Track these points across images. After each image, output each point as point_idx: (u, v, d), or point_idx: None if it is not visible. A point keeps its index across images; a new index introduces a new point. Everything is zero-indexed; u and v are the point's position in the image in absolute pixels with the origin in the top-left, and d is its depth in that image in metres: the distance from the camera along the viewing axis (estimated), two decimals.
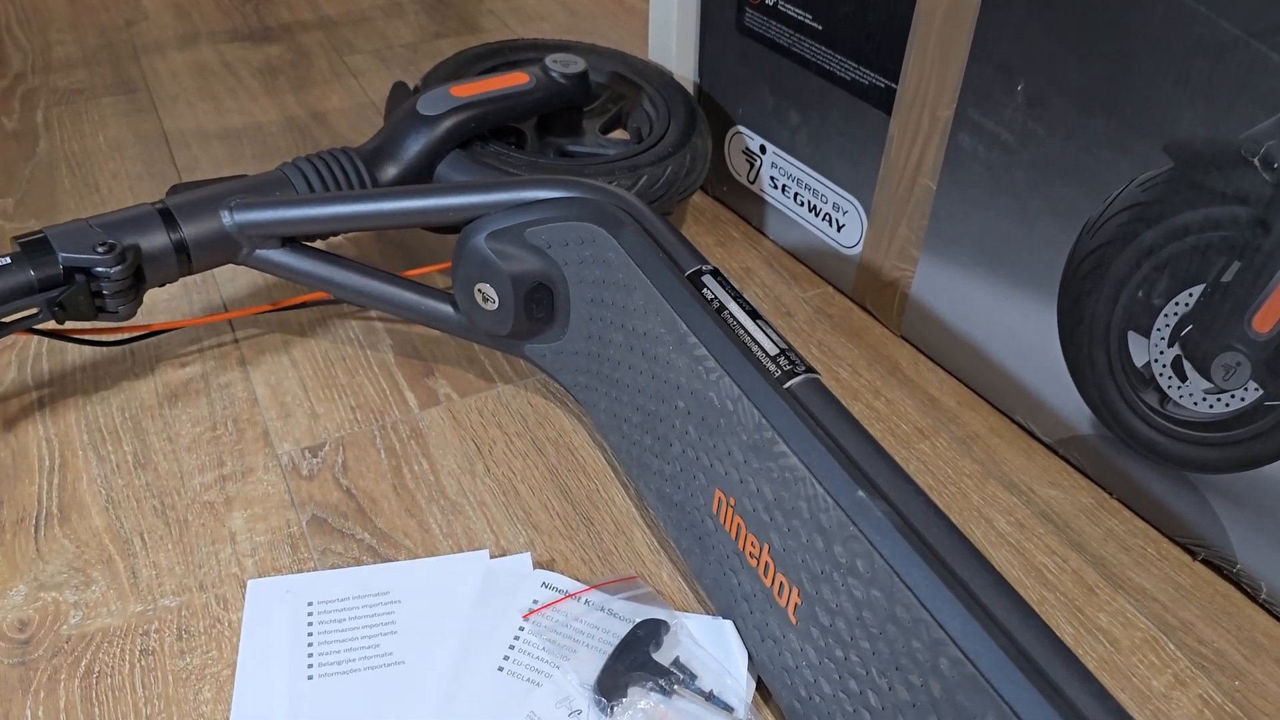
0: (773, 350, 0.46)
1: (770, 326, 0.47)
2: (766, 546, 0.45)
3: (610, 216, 0.55)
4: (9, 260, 0.57)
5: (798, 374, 0.44)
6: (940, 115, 0.62)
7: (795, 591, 0.43)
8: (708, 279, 0.50)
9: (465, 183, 0.60)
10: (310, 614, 0.52)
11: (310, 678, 0.49)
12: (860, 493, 0.39)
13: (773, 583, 0.45)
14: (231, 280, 0.76)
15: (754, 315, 0.48)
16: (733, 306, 0.48)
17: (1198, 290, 0.52)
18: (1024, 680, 0.33)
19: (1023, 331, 0.61)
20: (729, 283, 0.50)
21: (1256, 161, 0.48)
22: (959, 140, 0.61)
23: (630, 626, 0.50)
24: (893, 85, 0.65)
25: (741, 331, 0.47)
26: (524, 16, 1.17)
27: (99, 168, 0.88)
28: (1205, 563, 0.56)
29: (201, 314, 0.73)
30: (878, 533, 0.38)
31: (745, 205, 0.82)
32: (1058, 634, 0.51)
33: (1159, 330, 0.54)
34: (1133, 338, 0.56)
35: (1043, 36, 0.55)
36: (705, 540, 0.50)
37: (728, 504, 0.48)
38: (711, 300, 0.49)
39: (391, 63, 1.06)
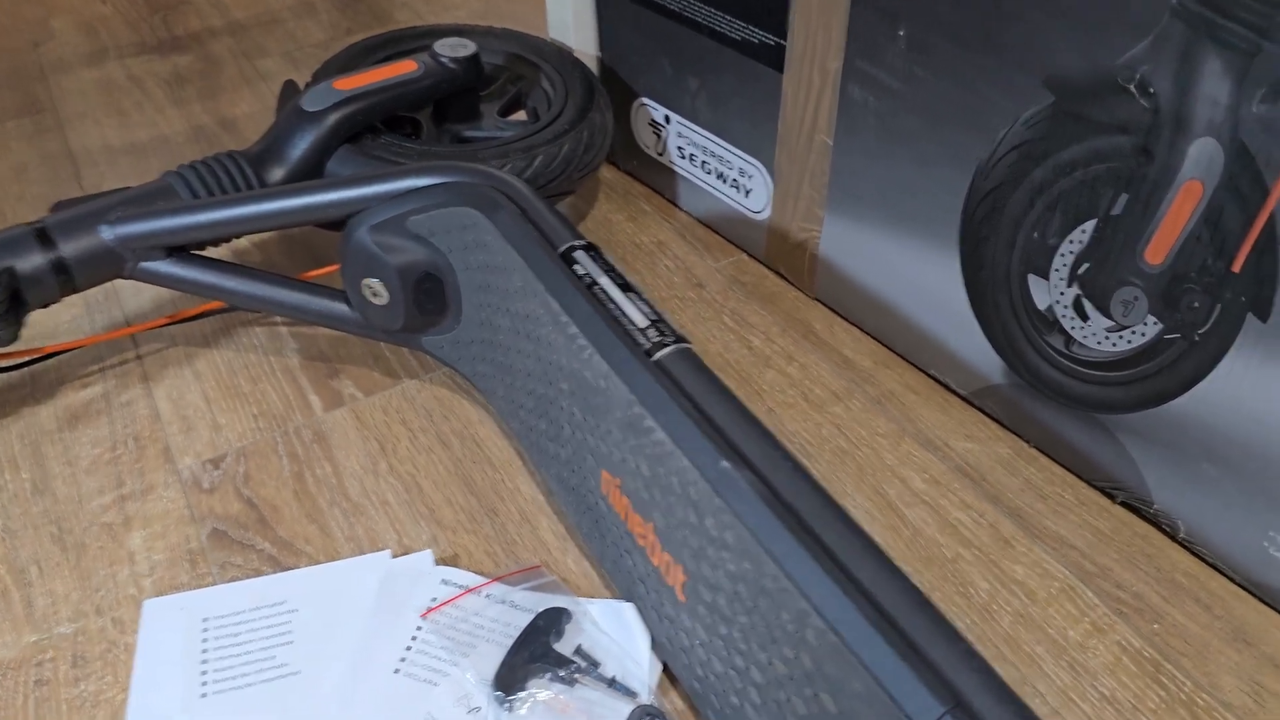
0: (642, 322, 0.44)
1: (642, 298, 0.46)
2: (652, 525, 0.44)
3: (486, 199, 0.53)
4: None
5: (666, 345, 0.43)
6: (830, 68, 0.60)
7: (680, 569, 0.42)
8: (579, 254, 0.48)
9: (344, 177, 0.58)
10: (205, 630, 0.50)
11: (204, 695, 0.47)
12: (724, 463, 0.38)
13: (660, 562, 0.44)
14: (135, 295, 0.74)
15: (625, 288, 0.46)
16: (604, 280, 0.47)
17: (1090, 226, 0.50)
18: (884, 645, 0.32)
19: (930, 283, 0.60)
20: (603, 256, 0.48)
21: (1133, 88, 0.46)
22: (849, 92, 0.60)
23: (531, 617, 0.49)
24: (781, 41, 0.63)
25: (611, 305, 0.45)
26: (437, 6, 1.15)
27: (2, 193, 0.86)
28: (1124, 505, 0.55)
29: (104, 331, 0.71)
30: (741, 502, 0.37)
31: (655, 178, 0.81)
32: (967, 592, 0.50)
33: (1057, 270, 0.53)
34: (1033, 280, 0.54)
35: None
36: (600, 523, 0.49)
37: (614, 484, 0.46)
38: (583, 276, 0.47)
39: (302, 64, 1.04)
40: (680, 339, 0.43)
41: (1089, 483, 0.56)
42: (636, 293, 0.46)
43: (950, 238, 0.57)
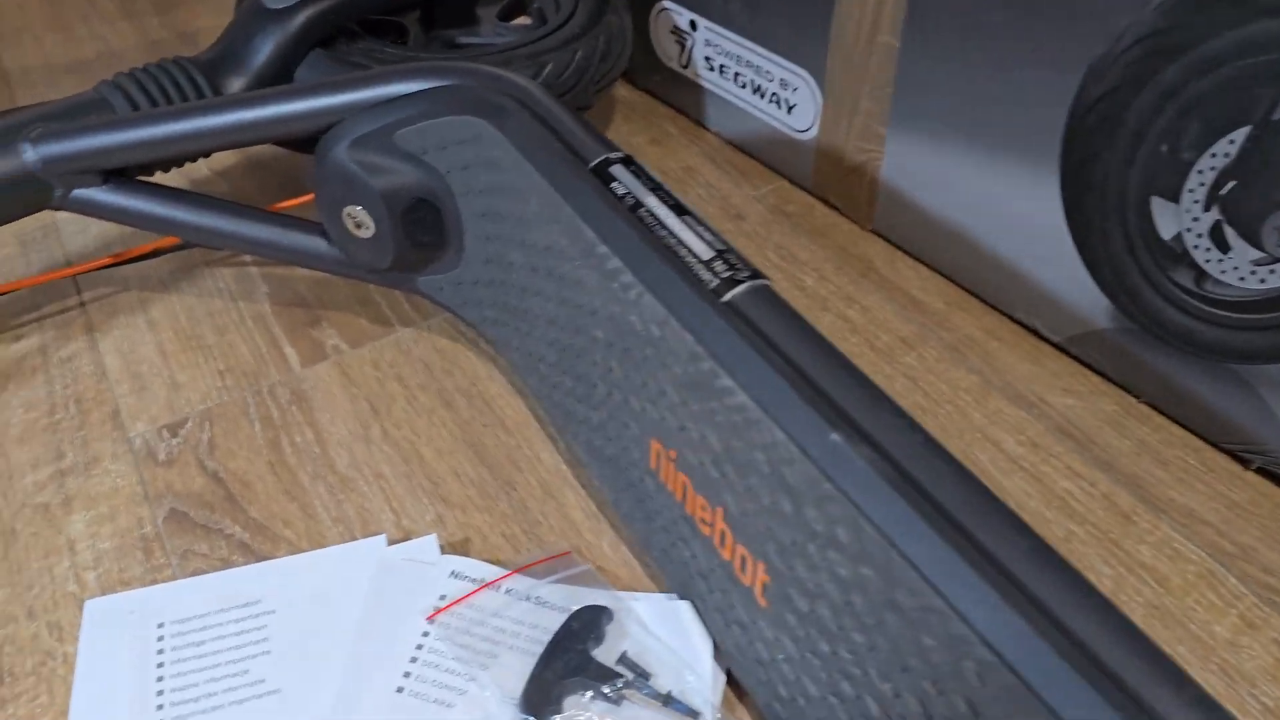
0: (706, 253, 0.35)
1: (702, 223, 0.36)
2: (720, 511, 0.34)
3: (492, 105, 0.43)
4: None
5: (740, 281, 0.33)
6: None
7: (762, 567, 0.33)
8: (617, 169, 0.38)
9: (314, 83, 0.48)
10: (161, 638, 0.41)
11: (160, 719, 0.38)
12: (834, 435, 0.28)
13: (733, 555, 0.35)
14: (80, 232, 0.64)
15: (679, 210, 0.37)
16: (651, 201, 0.37)
17: (1240, 135, 0.41)
18: (1089, 691, 0.23)
19: (1018, 211, 0.51)
20: (646, 172, 0.38)
21: None
22: None
23: (564, 618, 0.40)
24: None
25: (664, 232, 0.36)
26: None
27: None
28: (1261, 472, 0.46)
29: (40, 272, 0.61)
30: (861, 489, 0.28)
31: (680, 95, 0.70)
32: (1100, 589, 0.41)
33: (1191, 192, 0.43)
34: (1157, 204, 0.45)
35: None
36: (647, 503, 0.40)
37: (667, 457, 0.37)
38: (624, 196, 0.37)
39: None
40: (756, 273, 0.34)
41: (1216, 445, 0.48)
42: (693, 215, 0.36)
43: (1048, 156, 0.48)
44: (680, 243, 0.35)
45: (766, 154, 0.65)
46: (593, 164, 0.39)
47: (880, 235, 0.60)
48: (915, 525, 0.26)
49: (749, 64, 0.63)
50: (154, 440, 0.50)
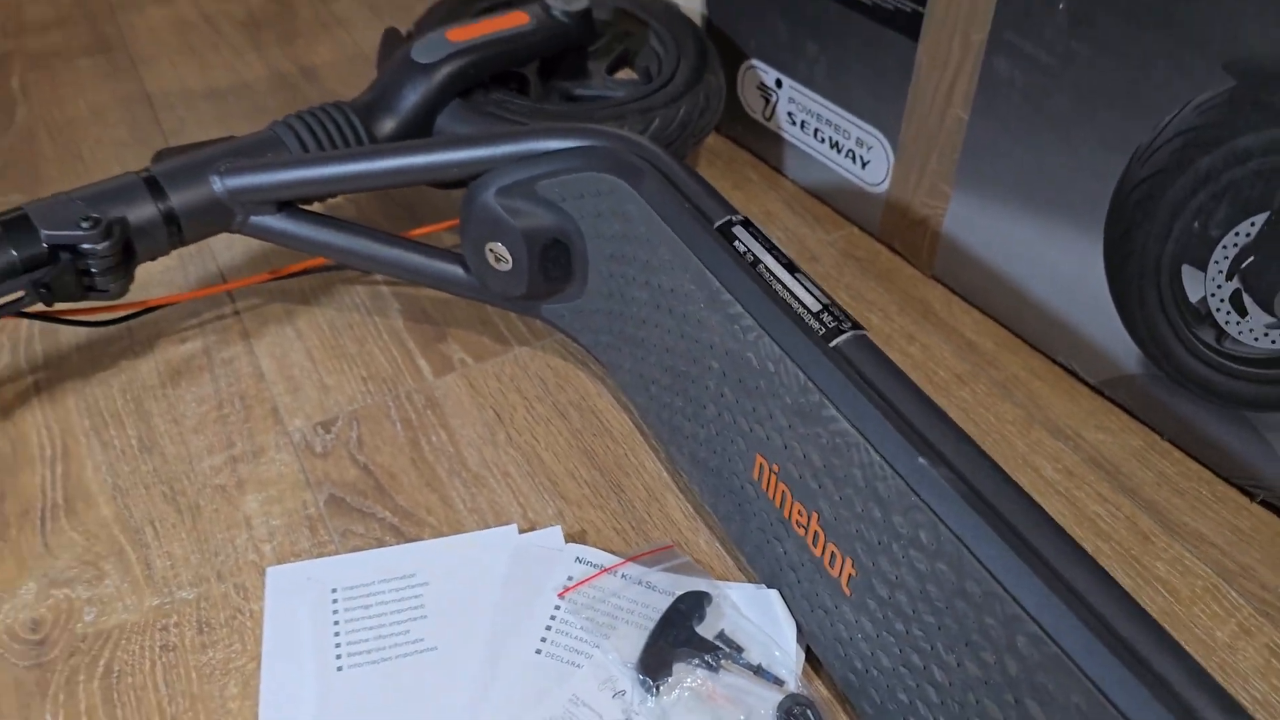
0: (815, 306, 0.43)
1: (810, 280, 0.44)
2: (815, 515, 0.42)
3: (628, 166, 0.51)
4: None
5: (844, 331, 0.41)
6: (973, 39, 0.58)
7: (849, 562, 0.41)
8: (739, 230, 0.47)
9: (470, 135, 0.56)
10: (335, 601, 0.49)
11: (340, 669, 0.46)
12: (920, 459, 0.36)
13: (823, 552, 0.43)
14: (228, 249, 0.73)
15: (791, 268, 0.45)
16: (768, 259, 0.45)
17: (1260, 219, 0.48)
18: (1110, 657, 0.31)
19: (1065, 268, 0.58)
20: (762, 233, 0.47)
21: None
22: (994, 65, 0.57)
23: (671, 600, 0.48)
24: (919, 9, 0.60)
25: (779, 286, 0.44)
26: None
27: (81, 135, 0.84)
28: (1264, 504, 0.54)
29: (198, 286, 0.70)
30: (942, 502, 0.35)
31: (762, 144, 0.78)
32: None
33: (1216, 263, 0.51)
34: (1187, 271, 0.52)
35: None
36: (746, 507, 0.48)
37: (770, 470, 0.45)
38: (745, 253, 0.45)
39: (380, 9, 1.01)
40: (856, 325, 0.42)
41: (1226, 479, 0.55)
42: (804, 274, 0.44)
43: (1094, 223, 0.56)
44: (793, 295, 0.43)
45: (839, 202, 0.73)
46: (718, 224, 0.47)
47: (939, 281, 0.67)
48: (983, 531, 0.34)
49: (829, 122, 0.71)
50: (310, 435, 0.59)
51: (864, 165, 0.69)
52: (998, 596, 0.34)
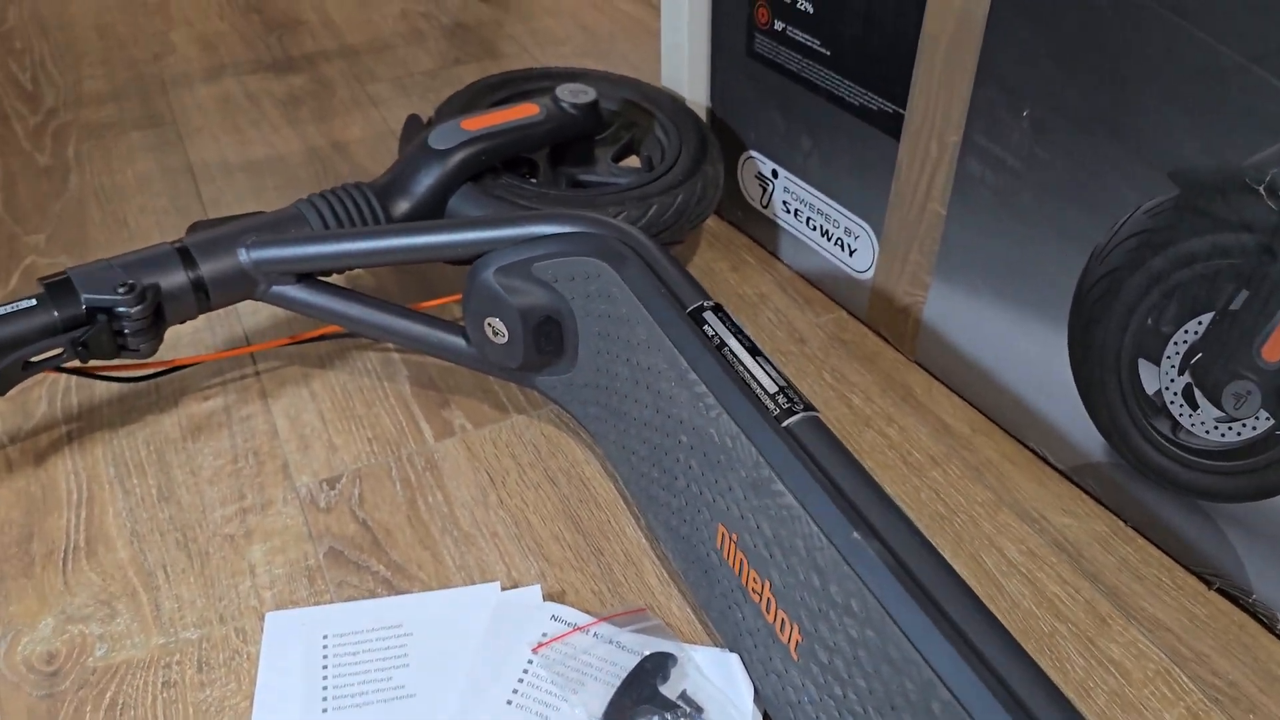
0: (771, 388, 0.46)
1: (770, 364, 0.48)
2: (768, 583, 0.45)
3: (614, 252, 0.55)
4: (34, 302, 0.59)
5: (795, 412, 0.45)
6: (948, 140, 0.62)
7: (796, 629, 0.44)
8: (709, 315, 0.50)
9: (474, 219, 0.61)
10: (325, 647, 0.53)
11: (325, 710, 0.50)
12: (855, 533, 0.39)
13: (774, 619, 0.45)
14: (253, 313, 0.78)
15: (754, 352, 0.48)
16: (733, 343, 0.49)
17: (1207, 318, 0.51)
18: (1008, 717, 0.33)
19: (1035, 357, 0.61)
20: (731, 319, 0.50)
21: (1262, 189, 0.47)
22: (967, 166, 0.61)
23: (638, 659, 0.51)
24: (900, 110, 0.65)
25: (741, 368, 0.47)
26: (544, 40, 1.18)
27: (127, 202, 0.90)
28: (1221, 592, 0.56)
29: (224, 347, 0.74)
30: (871, 573, 0.38)
31: (759, 230, 0.83)
32: (1064, 668, 0.51)
33: (1169, 358, 0.54)
34: (1143, 365, 0.55)
35: (1046, 60, 0.54)
36: (711, 574, 0.51)
37: (730, 539, 0.48)
38: (712, 337, 0.49)
39: (412, 91, 1.08)
40: (809, 407, 0.45)
41: (1186, 567, 0.57)
42: (765, 357, 0.48)
43: (1060, 316, 0.59)
44: (753, 377, 0.47)
45: (828, 287, 0.77)
46: (689, 309, 0.51)
47: (921, 365, 0.71)
48: (905, 601, 0.37)
49: (820, 211, 0.75)
50: (316, 491, 0.63)
51: (851, 253, 0.73)
52: (915, 662, 0.36)
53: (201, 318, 0.77)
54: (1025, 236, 0.59)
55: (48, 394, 0.70)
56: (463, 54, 1.15)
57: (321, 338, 0.73)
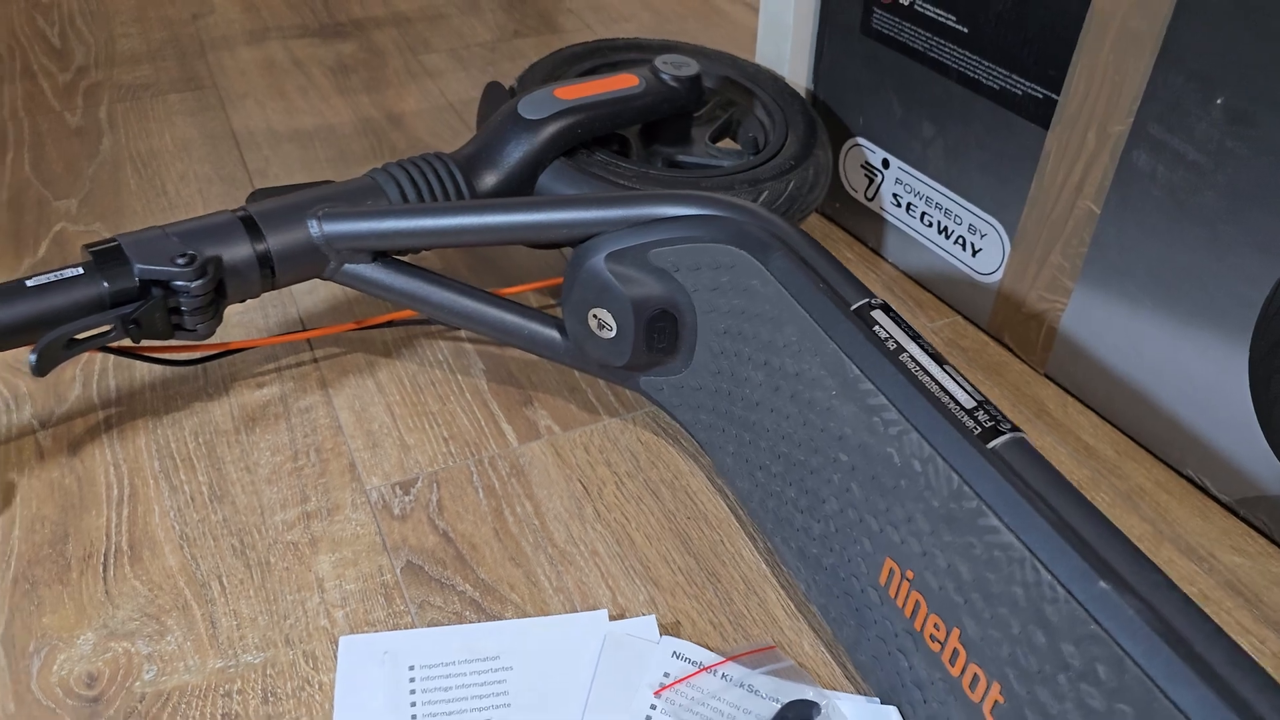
0: (968, 403, 0.39)
1: (959, 374, 0.41)
2: (956, 631, 0.38)
3: (755, 240, 0.48)
4: (80, 270, 0.52)
5: (1002, 432, 0.38)
6: (1111, 130, 0.55)
7: (996, 688, 0.37)
8: (879, 314, 0.44)
9: (579, 196, 0.54)
10: (413, 680, 0.46)
11: None
12: (1103, 583, 0.33)
13: (962, 673, 0.39)
14: (309, 294, 0.71)
15: (939, 360, 0.41)
16: (912, 348, 0.42)
17: None
18: None
19: (1202, 376, 0.55)
20: (903, 320, 0.43)
21: None
22: (1134, 159, 0.55)
23: (776, 707, 0.44)
24: (1053, 96, 0.58)
25: (927, 379, 0.40)
26: (606, 16, 1.11)
27: (166, 168, 0.83)
28: None
29: (278, 330, 0.67)
30: (1129, 635, 0.32)
31: (861, 224, 0.76)
32: None
33: None
34: None
35: (1253, 41, 0.48)
36: (865, 613, 0.44)
37: (902, 576, 0.41)
38: (886, 339, 0.42)
39: (469, 63, 1.01)
40: (1014, 426, 0.38)
41: None
42: (953, 367, 0.41)
43: (1240, 331, 0.52)
44: (943, 389, 0.40)
45: (943, 289, 0.70)
46: (854, 306, 0.44)
47: (1052, 379, 0.64)
48: (1182, 673, 0.30)
49: (939, 206, 0.68)
50: (389, 495, 0.56)
51: (975, 253, 0.66)
52: None
53: (255, 300, 0.70)
54: (1204, 241, 0.53)
55: (83, 375, 0.63)
56: (521, 26, 1.08)
57: (389, 323, 0.66)
